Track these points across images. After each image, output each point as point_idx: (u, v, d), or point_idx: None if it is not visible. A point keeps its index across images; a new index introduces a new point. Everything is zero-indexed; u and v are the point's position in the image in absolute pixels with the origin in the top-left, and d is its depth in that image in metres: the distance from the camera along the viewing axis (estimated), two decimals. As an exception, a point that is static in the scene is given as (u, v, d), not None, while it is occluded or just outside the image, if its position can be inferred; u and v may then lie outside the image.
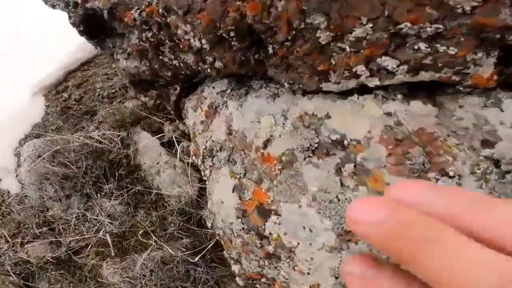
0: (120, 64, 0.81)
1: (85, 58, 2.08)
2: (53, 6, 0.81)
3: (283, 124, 0.44)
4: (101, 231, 1.08)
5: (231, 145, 0.54)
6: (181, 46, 0.57)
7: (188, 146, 1.30)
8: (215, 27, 0.49)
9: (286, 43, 0.41)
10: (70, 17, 0.75)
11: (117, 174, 1.26)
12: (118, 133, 1.35)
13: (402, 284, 0.19)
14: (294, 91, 0.50)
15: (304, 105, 0.44)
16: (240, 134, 0.52)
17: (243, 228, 0.48)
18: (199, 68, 0.63)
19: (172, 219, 1.08)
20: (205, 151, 0.67)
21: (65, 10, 0.77)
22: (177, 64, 0.67)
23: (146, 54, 0.71)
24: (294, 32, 0.37)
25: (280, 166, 0.43)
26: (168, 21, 0.52)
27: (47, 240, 1.15)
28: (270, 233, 0.44)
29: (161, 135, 1.35)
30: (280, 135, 0.45)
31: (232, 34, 0.45)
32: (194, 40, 0.51)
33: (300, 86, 0.47)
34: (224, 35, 0.49)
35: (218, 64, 0.54)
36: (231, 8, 0.46)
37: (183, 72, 0.71)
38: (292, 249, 0.42)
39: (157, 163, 1.27)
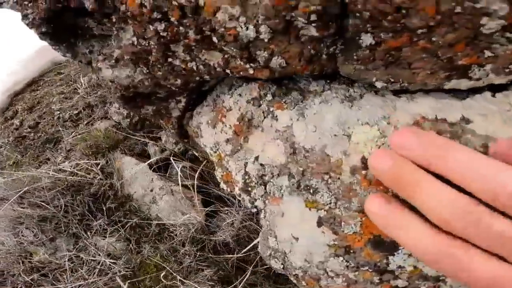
0: (104, 74, 0.64)
1: (31, 78, 1.80)
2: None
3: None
4: (109, 274, 0.91)
5: (301, 168, 0.44)
6: (215, 40, 0.44)
7: (184, 167, 1.16)
8: (286, 8, 0.36)
9: (419, 31, 0.31)
10: (25, 16, 0.57)
11: (105, 208, 1.09)
12: (96, 162, 1.16)
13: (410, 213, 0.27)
14: (376, 91, 0.41)
15: (412, 108, 0.35)
16: (317, 153, 0.42)
17: (347, 266, 0.39)
18: (229, 71, 0.51)
19: (185, 250, 0.95)
20: (247, 177, 0.56)
21: (17, 7, 0.60)
22: (193, 68, 0.54)
23: (146, 58, 0.56)
24: (440, 16, 0.27)
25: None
26: (202, 2, 0.40)
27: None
28: (400, 266, 0.36)
29: (153, 159, 1.19)
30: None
31: (313, 17, 0.34)
32: (246, 28, 0.39)
33: (404, 84, 0.37)
34: (299, 19, 0.37)
35: (276, 61, 0.42)
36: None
37: (197, 79, 0.58)
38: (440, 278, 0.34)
39: (151, 190, 1.11)
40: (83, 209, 1.05)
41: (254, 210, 0.54)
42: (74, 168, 1.15)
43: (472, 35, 0.27)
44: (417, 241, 0.25)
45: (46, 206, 1.02)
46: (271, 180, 0.49)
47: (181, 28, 0.44)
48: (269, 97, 0.55)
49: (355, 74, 0.39)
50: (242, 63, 0.47)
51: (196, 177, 1.02)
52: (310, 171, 0.43)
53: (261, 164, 0.51)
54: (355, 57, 0.37)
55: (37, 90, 1.73)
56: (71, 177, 1.12)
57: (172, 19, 0.43)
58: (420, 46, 0.30)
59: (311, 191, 0.43)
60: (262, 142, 0.53)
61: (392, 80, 0.36)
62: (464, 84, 0.32)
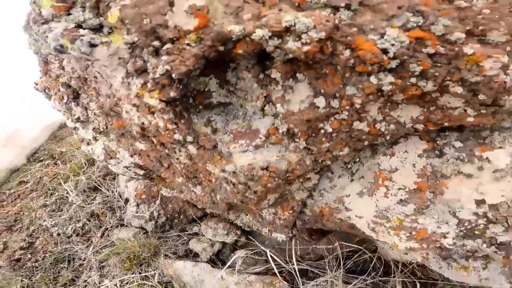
0: (237, 162, 0.52)
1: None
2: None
3: None
4: None
5: None
6: (456, 90, 0.41)
7: (246, 255, 1.01)
8: None
9: None
10: (141, 72, 0.44)
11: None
12: (147, 274, 0.93)
13: None
14: None
15: None
16: None
17: None
18: (422, 125, 0.49)
19: None
20: (467, 223, 0.50)
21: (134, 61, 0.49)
22: (381, 129, 0.49)
23: (316, 127, 0.49)
24: None
25: None
26: (465, 51, 0.38)
27: None
28: None
29: (208, 255, 1.00)
30: None
31: None
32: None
33: None
34: None
35: None
36: None
37: (366, 144, 0.53)
38: None
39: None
40: None
41: (492, 248, 0.48)
42: (122, 286, 0.90)
43: None
44: None
45: None
46: None
47: (413, 79, 0.40)
48: (457, 144, 0.51)
49: None
50: (467, 111, 0.43)
51: (294, 260, 0.88)
52: None
53: (491, 205, 0.47)
54: None
55: (2, 206, 1.41)
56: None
57: (416, 68, 0.38)
58: None
59: None
60: (473, 187, 0.49)
61: None
62: None
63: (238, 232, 1.11)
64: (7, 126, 2.12)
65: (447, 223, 0.53)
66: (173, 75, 0.39)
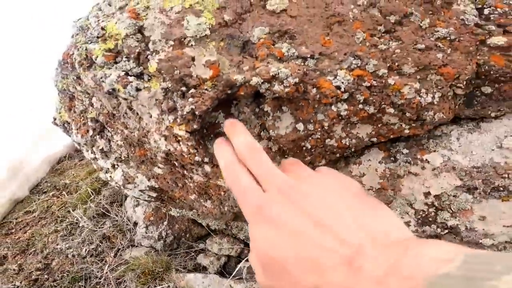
0: None
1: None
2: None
3: None
4: None
5: (479, 180, 0.59)
6: (390, 110, 0.60)
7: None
8: (455, 79, 0.59)
9: None
10: (173, 110, 0.60)
11: None
12: (164, 286, 1.05)
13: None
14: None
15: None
16: (487, 166, 0.59)
17: None
18: (375, 139, 0.66)
19: None
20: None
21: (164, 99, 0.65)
22: (346, 143, 0.66)
23: (298, 145, 0.65)
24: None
25: None
26: (389, 82, 0.57)
27: None
28: None
29: (215, 267, 1.13)
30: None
31: (463, 84, 0.58)
32: (426, 96, 0.58)
33: (506, 110, 0.62)
34: (459, 85, 0.59)
35: (438, 116, 0.61)
36: None
37: (338, 156, 0.70)
38: None
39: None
40: None
41: (445, 231, 0.64)
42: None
43: None
44: (223, 158, 0.43)
45: None
46: (454, 201, 0.62)
47: (360, 106, 0.59)
48: (404, 150, 0.70)
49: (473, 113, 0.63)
50: (402, 125, 0.62)
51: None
52: (489, 179, 0.60)
53: (435, 196, 0.65)
54: (475, 102, 0.60)
55: (12, 233, 1.51)
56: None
57: (360, 97, 0.57)
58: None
59: (501, 188, 0.59)
60: (420, 182, 0.67)
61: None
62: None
63: (242, 245, 1.25)
64: (10, 158, 2.19)
65: (407, 213, 0.69)
66: (196, 113, 0.56)
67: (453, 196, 0.63)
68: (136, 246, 1.30)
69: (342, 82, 0.56)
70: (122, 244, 1.30)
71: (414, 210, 0.68)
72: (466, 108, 0.65)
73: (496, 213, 0.61)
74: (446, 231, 0.66)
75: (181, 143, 0.61)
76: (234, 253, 1.22)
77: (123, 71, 0.58)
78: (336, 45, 0.59)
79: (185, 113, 0.56)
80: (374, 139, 0.66)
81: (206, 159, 0.63)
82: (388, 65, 0.57)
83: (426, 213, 0.67)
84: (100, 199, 1.62)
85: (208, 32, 0.58)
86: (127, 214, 1.45)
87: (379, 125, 0.64)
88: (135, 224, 1.38)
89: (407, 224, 0.68)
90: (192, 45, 0.58)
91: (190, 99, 0.56)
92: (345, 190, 0.37)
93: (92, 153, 1.08)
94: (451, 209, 0.64)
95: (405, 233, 0.32)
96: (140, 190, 0.99)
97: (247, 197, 0.36)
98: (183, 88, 0.57)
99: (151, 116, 0.64)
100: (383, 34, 0.58)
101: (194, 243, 1.34)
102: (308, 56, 0.58)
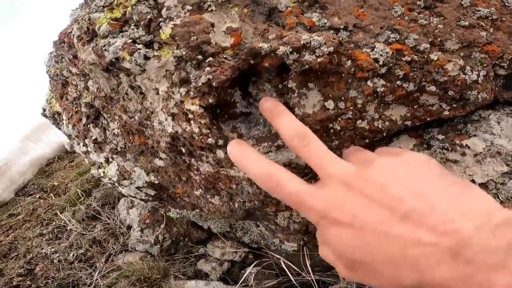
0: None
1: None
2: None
3: None
4: None
5: None
6: (431, 88, 0.54)
7: (255, 271, 1.06)
8: (499, 58, 0.53)
9: None
10: (185, 82, 0.52)
11: None
12: None
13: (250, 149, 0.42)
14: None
15: None
16: None
17: None
18: (409, 122, 0.60)
19: None
20: None
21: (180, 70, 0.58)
22: (378, 126, 0.59)
23: (326, 127, 0.58)
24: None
25: None
26: (432, 57, 0.51)
27: None
28: None
29: (217, 274, 1.04)
30: None
31: (506, 63, 0.52)
32: (471, 73, 0.53)
33: None
34: (502, 64, 0.52)
35: (481, 96, 0.56)
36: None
37: (367, 141, 0.63)
38: None
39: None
40: None
41: None
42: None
43: None
44: (252, 166, 0.37)
45: None
46: (502, 190, 0.57)
47: (398, 82, 0.53)
48: (439, 136, 0.64)
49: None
50: (442, 106, 0.56)
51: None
52: None
53: (481, 184, 0.58)
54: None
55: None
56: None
57: (400, 72, 0.51)
58: None
59: None
60: (461, 170, 0.61)
61: None
62: None
63: (246, 250, 1.17)
64: (-5, 159, 2.12)
65: None
66: (213, 84, 0.50)
67: (501, 183, 0.57)
68: (130, 251, 1.20)
69: (381, 55, 0.50)
70: (114, 249, 1.20)
71: None
72: (505, 90, 0.60)
73: None
74: None
75: (192, 122, 0.54)
76: (238, 258, 1.14)
77: (130, 38, 0.52)
78: (372, 18, 0.54)
79: (200, 84, 0.50)
80: (408, 122, 0.60)
81: (220, 141, 0.56)
82: (430, 40, 0.52)
83: None
84: (91, 201, 1.52)
85: (231, -5, 0.52)
86: (120, 216, 1.36)
87: (415, 106, 0.58)
88: (129, 227, 1.29)
89: None
90: (212, 10, 0.52)
91: (207, 69, 0.49)
92: (426, 171, 0.31)
93: (84, 145, 1.00)
94: (499, 198, 0.58)
95: (505, 211, 0.27)
96: (137, 188, 0.91)
97: (305, 201, 0.32)
98: (199, 57, 0.50)
99: (157, 93, 0.57)
100: (422, 10, 0.54)
101: (194, 248, 1.25)
102: (341, 27, 0.53)
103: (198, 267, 1.14)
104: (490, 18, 0.56)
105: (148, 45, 0.52)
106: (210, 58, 0.50)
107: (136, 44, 0.51)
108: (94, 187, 1.61)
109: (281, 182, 0.34)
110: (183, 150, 0.63)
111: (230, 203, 0.73)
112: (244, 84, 0.60)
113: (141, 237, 1.20)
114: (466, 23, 0.54)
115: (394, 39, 0.52)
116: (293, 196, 0.33)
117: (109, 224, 1.34)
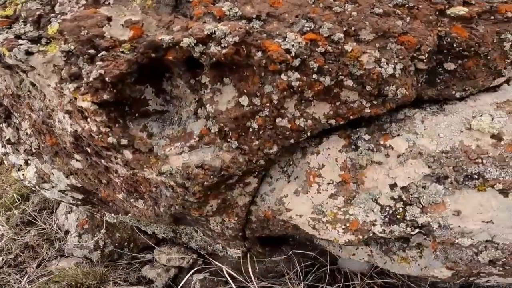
0: (173, 164, 0.57)
1: None
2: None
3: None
4: None
5: (450, 167, 0.55)
6: (349, 83, 0.53)
7: (204, 278, 1.04)
8: (416, 50, 0.52)
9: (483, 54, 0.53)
10: (76, 77, 0.50)
11: None
12: None
13: None
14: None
15: (488, 99, 0.58)
16: (457, 148, 0.55)
17: None
18: (333, 121, 0.59)
19: None
20: (388, 208, 0.60)
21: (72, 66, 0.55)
22: (300, 125, 0.58)
23: (244, 125, 0.56)
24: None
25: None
26: (346, 49, 0.50)
27: None
28: None
29: (163, 281, 1.00)
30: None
31: (425, 56, 0.52)
32: (387, 66, 0.51)
33: (471, 90, 0.59)
34: (421, 57, 0.53)
35: (400, 92, 0.54)
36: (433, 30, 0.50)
37: (292, 141, 0.61)
38: None
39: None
40: None
41: (416, 231, 0.58)
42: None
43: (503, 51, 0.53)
44: None
45: None
46: (423, 194, 0.56)
47: (315, 76, 0.51)
48: (365, 137, 0.63)
49: (442, 92, 0.59)
50: (362, 103, 0.56)
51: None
52: (461, 165, 0.54)
53: (402, 187, 0.57)
54: (437, 80, 0.57)
55: None
56: None
57: (314, 65, 0.50)
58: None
59: (475, 176, 0.53)
60: (384, 173, 0.60)
61: (465, 88, 0.58)
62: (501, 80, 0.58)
63: (194, 256, 1.13)
64: None
65: (372, 210, 0.61)
66: (106, 79, 0.46)
67: (422, 187, 0.57)
68: (67, 257, 1.14)
69: (293, 45, 0.48)
70: (48, 254, 1.14)
71: (379, 206, 0.60)
72: (429, 87, 0.60)
73: (472, 206, 0.55)
74: (417, 230, 0.59)
75: (89, 119, 0.51)
76: (186, 265, 1.11)
77: (14, 34, 0.49)
78: (287, 6, 0.51)
79: (91, 79, 0.46)
80: (333, 121, 0.59)
81: (123, 141, 0.52)
82: (344, 29, 0.51)
83: (394, 209, 0.59)
84: (28, 206, 1.43)
85: (131, -12, 0.49)
86: (58, 222, 1.29)
87: (337, 103, 0.57)
88: (67, 232, 1.23)
89: (372, 223, 0.60)
90: (110, 3, 0.50)
91: (99, 63, 0.46)
92: None
93: (3, 146, 0.93)
94: (421, 203, 0.57)
95: None
96: (60, 191, 0.85)
97: None
98: (92, 51, 0.47)
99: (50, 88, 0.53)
100: None
101: (140, 254, 1.21)
102: (254, 16, 0.50)
103: (143, 274, 1.10)
104: (406, 5, 0.55)
105: (36, 40, 0.49)
106: (104, 52, 0.46)
107: (20, 40, 0.48)
108: (33, 192, 1.52)
109: None
110: (89, 151, 0.59)
111: (155, 207, 0.69)
112: (157, 79, 0.57)
113: (79, 242, 1.15)
114: (381, 10, 0.53)
115: (308, 28, 0.50)
116: None
117: (44, 229, 1.27)
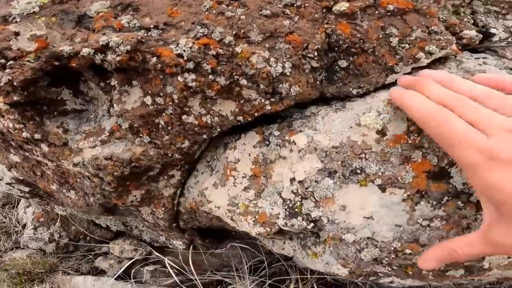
0: (86, 155, 0.63)
1: None
2: None
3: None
4: None
5: (338, 162, 0.59)
6: (243, 82, 0.58)
7: (155, 269, 1.10)
8: (304, 48, 0.56)
9: (369, 50, 0.56)
10: None
11: None
12: None
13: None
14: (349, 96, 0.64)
15: (383, 96, 0.60)
16: (346, 144, 0.59)
17: (434, 206, 0.55)
18: (241, 117, 0.63)
19: None
20: (288, 202, 0.64)
21: None
22: (208, 121, 0.63)
23: (153, 122, 0.61)
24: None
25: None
26: (237, 50, 0.55)
27: None
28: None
29: (115, 271, 1.07)
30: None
31: (315, 53, 0.56)
32: (276, 65, 0.56)
33: (367, 87, 0.62)
34: (310, 55, 0.57)
35: (294, 89, 0.59)
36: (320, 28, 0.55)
37: (205, 137, 0.67)
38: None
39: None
40: None
41: (311, 225, 0.63)
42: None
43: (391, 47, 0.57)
44: (418, 105, 0.42)
45: None
46: (316, 188, 0.61)
47: (211, 76, 0.57)
48: (276, 133, 0.69)
49: (340, 89, 0.62)
50: (262, 100, 0.62)
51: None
52: (348, 159, 0.58)
53: (300, 182, 0.62)
54: (340, 76, 0.61)
55: None
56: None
57: (207, 67, 0.56)
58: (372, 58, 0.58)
59: (359, 171, 0.57)
60: (288, 167, 0.65)
61: (361, 86, 0.61)
62: (395, 77, 0.60)
63: (148, 248, 1.20)
64: None
65: (276, 203, 0.65)
66: (15, 83, 0.53)
67: (315, 181, 0.61)
68: (22, 248, 1.21)
69: (184, 50, 0.54)
70: (5, 246, 1.21)
71: (282, 200, 0.64)
72: (329, 85, 0.64)
73: (355, 201, 0.58)
74: (312, 224, 0.63)
75: (6, 117, 0.58)
76: (139, 256, 1.17)
77: None
78: (184, 15, 0.58)
79: (2, 84, 0.54)
80: (240, 118, 0.64)
81: (37, 136, 0.59)
82: (234, 32, 0.56)
83: (293, 202, 0.63)
84: (-11, 201, 1.49)
85: (37, 9, 0.58)
86: (17, 216, 1.35)
87: (241, 101, 0.62)
88: (24, 226, 1.29)
89: (277, 216, 0.64)
90: (17, 21, 0.57)
91: (8, 70, 0.54)
92: None
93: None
94: (315, 197, 0.60)
95: None
96: (8, 184, 0.91)
97: (470, 141, 0.35)
98: (2, 61, 0.55)
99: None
100: (231, 2, 0.57)
101: (96, 246, 1.27)
102: (152, 26, 0.56)
103: (96, 265, 1.17)
104: (295, 5, 0.57)
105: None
106: (11, 61, 0.54)
107: None
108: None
109: (450, 118, 0.37)
110: (13, 144, 0.66)
111: (86, 198, 0.76)
112: (74, 82, 0.63)
113: (34, 234, 1.21)
114: (269, 12, 0.57)
115: (202, 34, 0.55)
116: (460, 133, 0.36)
117: (4, 223, 1.33)
